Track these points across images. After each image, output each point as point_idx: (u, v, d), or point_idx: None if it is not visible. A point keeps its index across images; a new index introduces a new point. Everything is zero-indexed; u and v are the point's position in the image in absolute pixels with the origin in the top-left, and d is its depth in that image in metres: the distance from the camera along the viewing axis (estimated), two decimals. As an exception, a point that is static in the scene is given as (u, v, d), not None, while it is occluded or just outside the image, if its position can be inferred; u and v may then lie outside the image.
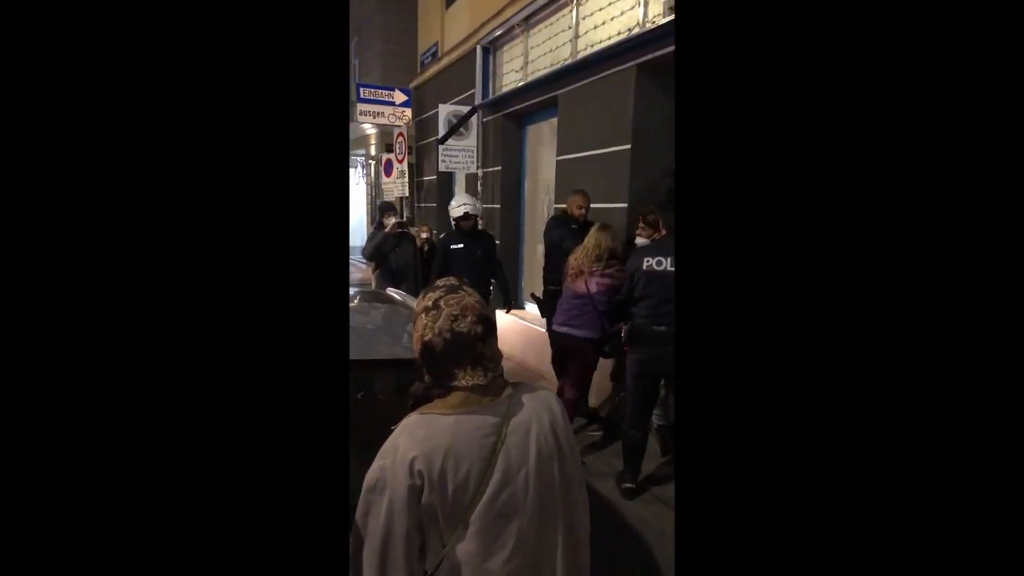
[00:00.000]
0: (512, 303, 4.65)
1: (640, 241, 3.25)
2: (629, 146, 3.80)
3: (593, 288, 3.05)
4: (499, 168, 6.03)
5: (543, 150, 5.88)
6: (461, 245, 4.08)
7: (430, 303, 1.01)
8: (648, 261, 2.74)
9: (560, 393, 3.20)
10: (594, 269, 3.05)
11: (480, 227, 4.50)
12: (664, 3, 3.38)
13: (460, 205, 4.19)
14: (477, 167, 6.40)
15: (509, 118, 5.87)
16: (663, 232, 3.04)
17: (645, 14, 3.66)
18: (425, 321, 0.98)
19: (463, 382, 0.98)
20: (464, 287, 1.05)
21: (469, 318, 0.99)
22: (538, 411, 1.02)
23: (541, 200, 5.73)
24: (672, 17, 3.26)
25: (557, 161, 4.69)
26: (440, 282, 1.08)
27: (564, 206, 3.86)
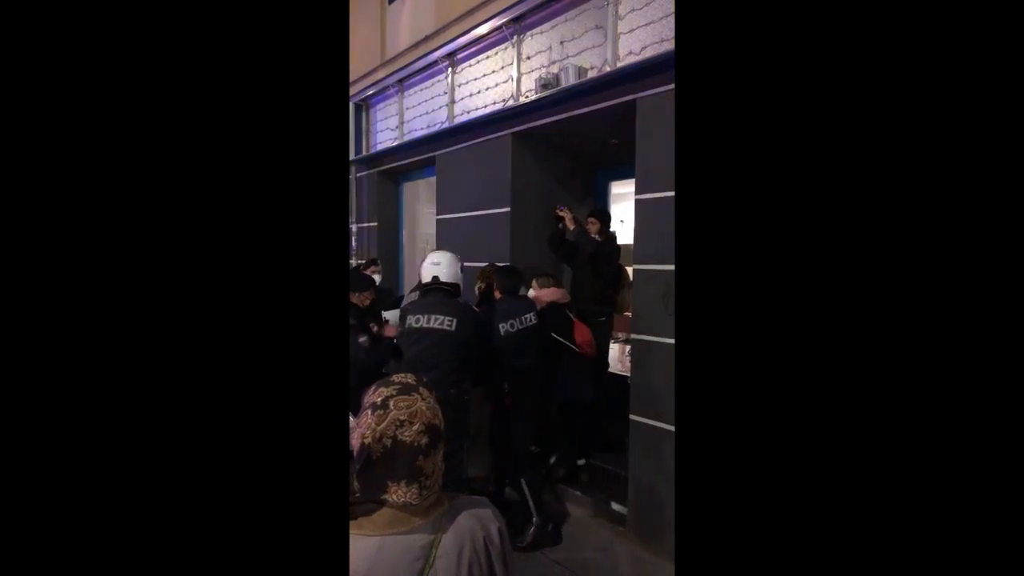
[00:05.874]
0: None
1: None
2: (509, 208, 4.00)
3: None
4: (375, 224, 5.98)
5: (419, 206, 5.93)
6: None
7: (379, 400, 0.93)
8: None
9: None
10: None
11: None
12: (537, 81, 3.67)
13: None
14: (351, 223, 6.27)
15: (385, 175, 5.88)
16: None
17: (518, 89, 3.95)
18: (369, 420, 0.90)
19: (394, 497, 0.90)
20: (421, 387, 0.97)
21: (416, 427, 0.91)
22: (473, 529, 0.94)
23: (421, 251, 5.75)
24: (543, 94, 3.55)
25: (437, 220, 4.77)
26: (397, 377, 0.98)
27: None
